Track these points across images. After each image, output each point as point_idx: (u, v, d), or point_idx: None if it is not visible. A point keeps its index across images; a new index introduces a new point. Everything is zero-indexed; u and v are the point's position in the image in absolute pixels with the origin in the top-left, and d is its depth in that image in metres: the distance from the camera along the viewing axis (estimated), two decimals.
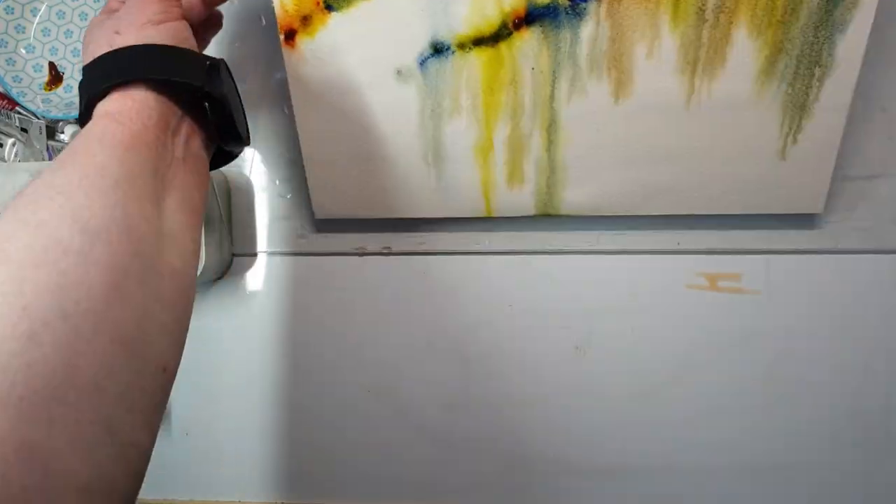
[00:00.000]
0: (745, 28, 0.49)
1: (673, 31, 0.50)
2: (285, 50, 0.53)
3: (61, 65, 0.62)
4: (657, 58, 0.51)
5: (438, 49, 0.52)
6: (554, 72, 0.52)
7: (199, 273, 0.57)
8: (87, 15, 0.62)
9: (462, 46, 0.52)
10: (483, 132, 0.55)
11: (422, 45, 0.52)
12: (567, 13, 0.50)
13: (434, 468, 0.65)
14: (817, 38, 0.49)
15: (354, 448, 0.65)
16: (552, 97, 0.53)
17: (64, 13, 0.62)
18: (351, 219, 0.61)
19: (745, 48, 0.50)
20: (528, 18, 0.50)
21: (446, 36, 0.52)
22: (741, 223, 0.58)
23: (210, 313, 0.65)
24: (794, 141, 0.53)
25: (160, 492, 0.68)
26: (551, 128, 0.54)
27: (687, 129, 0.53)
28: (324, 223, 0.62)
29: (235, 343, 0.65)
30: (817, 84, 0.51)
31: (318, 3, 0.51)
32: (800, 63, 0.50)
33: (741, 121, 0.52)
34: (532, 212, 0.58)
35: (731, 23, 0.49)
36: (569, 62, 0.51)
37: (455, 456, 0.64)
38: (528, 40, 0.51)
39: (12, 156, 0.62)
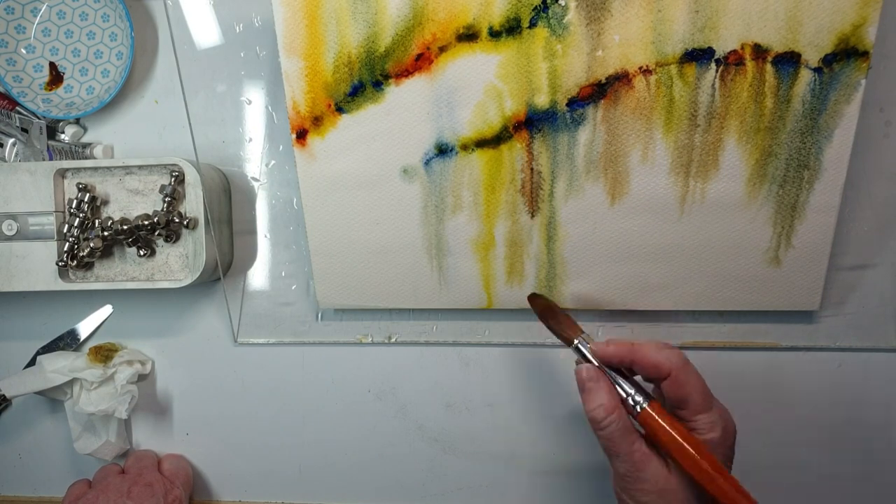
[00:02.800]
0: (736, 133, 0.52)
1: (666, 136, 0.52)
2: (296, 148, 0.56)
3: (62, 65, 0.63)
4: (651, 161, 0.53)
5: (443, 150, 0.55)
6: (552, 172, 0.54)
7: (199, 274, 0.58)
8: (87, 15, 0.61)
9: (465, 147, 0.54)
10: (484, 228, 0.57)
11: (427, 145, 0.55)
12: (565, 118, 0.53)
13: None
14: (804, 143, 0.51)
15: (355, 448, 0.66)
16: (551, 195, 0.55)
17: (64, 13, 0.62)
18: (354, 309, 0.62)
19: (736, 152, 0.52)
20: (528, 122, 0.53)
21: (450, 138, 0.54)
22: (740, 318, 0.59)
23: (210, 313, 0.65)
24: (788, 241, 0.54)
25: None
26: (550, 224, 0.56)
27: (681, 228, 0.54)
28: (327, 312, 0.64)
29: (235, 343, 0.65)
30: (807, 186, 0.53)
31: (329, 106, 0.54)
32: (789, 166, 0.52)
33: (735, 221, 0.54)
34: None
35: (722, 128, 0.52)
36: (566, 163, 0.54)
37: None
38: (527, 142, 0.54)
39: (13, 156, 0.63)
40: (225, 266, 0.63)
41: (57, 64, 0.63)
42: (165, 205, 0.59)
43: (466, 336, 0.62)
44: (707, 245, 0.55)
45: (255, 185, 0.63)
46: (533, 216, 0.56)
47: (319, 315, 0.64)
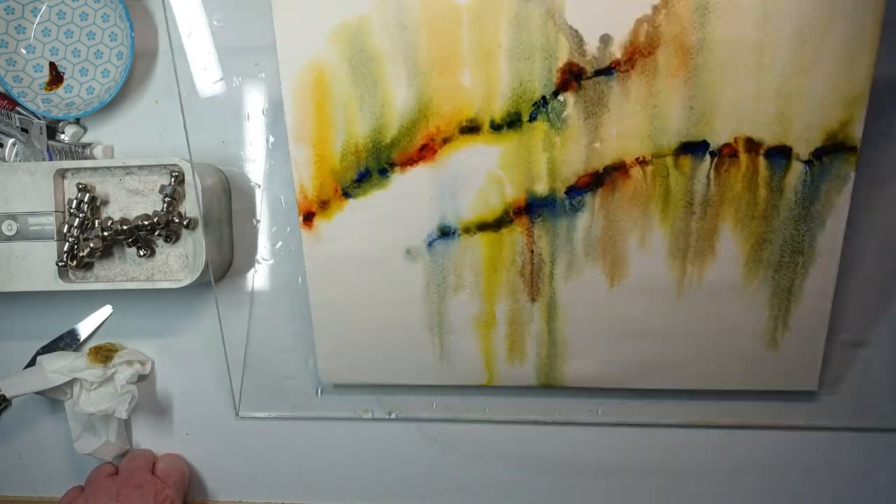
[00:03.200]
0: (731, 221, 0.53)
1: (663, 223, 0.54)
2: (303, 230, 0.57)
3: (62, 65, 0.63)
4: (649, 246, 0.54)
5: (445, 232, 0.56)
6: (552, 254, 0.55)
7: (199, 274, 0.58)
8: (87, 15, 0.62)
9: (467, 230, 0.56)
10: (485, 307, 0.58)
11: (430, 228, 0.56)
12: (564, 204, 0.54)
13: None
14: (798, 230, 0.53)
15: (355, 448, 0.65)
16: (551, 277, 0.56)
17: (64, 13, 0.62)
18: (356, 385, 0.63)
19: (731, 238, 0.54)
20: (528, 208, 0.55)
21: (453, 221, 0.56)
22: (741, 396, 0.60)
23: (210, 313, 0.65)
24: (785, 324, 0.55)
25: None
26: (550, 304, 0.57)
27: (679, 311, 0.55)
28: (330, 386, 0.64)
29: (236, 343, 0.65)
30: (801, 271, 0.54)
31: (336, 191, 0.56)
32: (783, 252, 0.53)
33: (731, 304, 0.55)
34: (533, 382, 0.59)
35: (718, 216, 0.53)
36: (566, 247, 0.55)
37: None
38: (527, 226, 0.55)
39: (13, 156, 0.63)
40: (225, 266, 0.63)
41: (57, 64, 0.63)
42: (165, 205, 0.59)
43: (468, 414, 0.63)
44: (705, 327, 0.56)
45: (255, 223, 0.63)
46: (533, 297, 0.57)
47: (320, 391, 0.64)
